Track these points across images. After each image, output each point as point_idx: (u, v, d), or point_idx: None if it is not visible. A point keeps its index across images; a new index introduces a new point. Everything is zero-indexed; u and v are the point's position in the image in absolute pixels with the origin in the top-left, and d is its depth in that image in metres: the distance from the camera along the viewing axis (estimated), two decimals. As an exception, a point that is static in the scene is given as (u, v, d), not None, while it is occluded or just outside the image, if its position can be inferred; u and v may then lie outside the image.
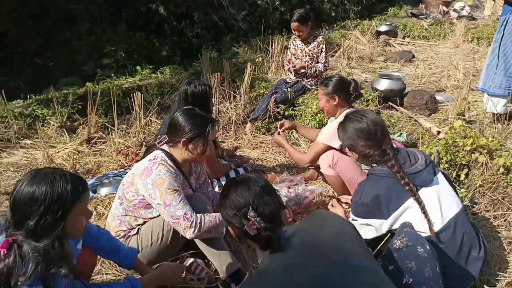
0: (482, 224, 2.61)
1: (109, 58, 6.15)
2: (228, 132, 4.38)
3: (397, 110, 3.86)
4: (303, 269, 1.25)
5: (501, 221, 2.63)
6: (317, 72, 4.33)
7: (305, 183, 3.12)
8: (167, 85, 5.44)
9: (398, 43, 7.47)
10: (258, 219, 1.34)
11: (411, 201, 1.89)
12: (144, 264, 1.92)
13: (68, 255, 1.36)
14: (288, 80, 4.50)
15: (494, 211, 2.70)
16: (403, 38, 7.73)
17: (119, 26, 6.59)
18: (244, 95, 4.78)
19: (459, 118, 3.32)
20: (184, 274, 2.06)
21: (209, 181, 2.45)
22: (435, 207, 1.91)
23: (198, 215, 1.96)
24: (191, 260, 2.15)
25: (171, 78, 5.68)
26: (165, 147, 2.12)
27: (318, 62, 4.35)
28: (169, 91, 5.35)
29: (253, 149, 3.97)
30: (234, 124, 4.35)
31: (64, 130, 4.35)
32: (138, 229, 2.08)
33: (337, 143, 2.69)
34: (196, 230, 1.93)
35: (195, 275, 2.10)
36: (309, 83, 4.43)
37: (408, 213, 1.90)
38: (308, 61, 4.34)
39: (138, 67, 5.76)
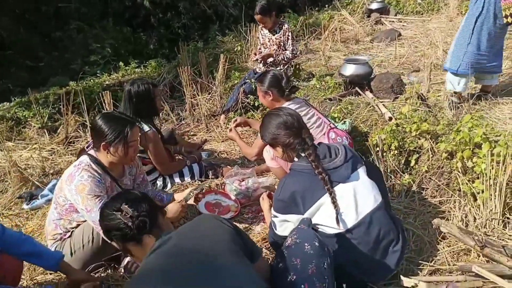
0: (426, 210, 2.62)
1: (96, 55, 6.29)
2: (200, 125, 4.45)
3: (359, 95, 3.82)
4: (168, 273, 1.32)
5: (446, 207, 2.62)
6: (285, 59, 4.32)
7: (261, 175, 3.18)
8: (150, 79, 5.53)
9: (389, 21, 7.28)
10: (131, 209, 1.41)
11: (326, 197, 1.92)
12: (71, 266, 2.02)
13: None
14: (258, 70, 4.50)
15: (440, 197, 2.69)
16: (395, 15, 7.51)
17: (106, 22, 6.69)
18: (219, 86, 4.83)
19: (416, 102, 3.27)
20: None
21: (147, 180, 2.53)
22: (350, 203, 1.93)
23: None
24: (127, 259, 2.25)
25: (154, 72, 5.77)
26: (92, 152, 2.21)
27: (286, 49, 4.33)
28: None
29: (222, 142, 4.03)
30: (205, 117, 4.40)
31: (45, 130, 4.53)
32: (72, 232, 2.20)
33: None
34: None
35: (131, 273, 2.21)
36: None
37: (323, 208, 1.94)
38: (276, 50, 4.33)
39: (121, 63, 5.87)
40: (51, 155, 4.06)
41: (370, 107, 3.52)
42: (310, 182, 1.93)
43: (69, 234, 2.20)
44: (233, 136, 3.11)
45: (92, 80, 5.49)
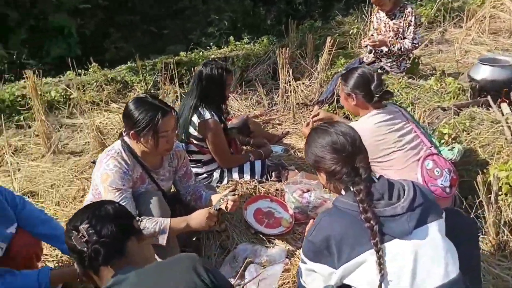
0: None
1: (213, 26, 6.31)
2: (288, 114, 4.05)
3: (489, 108, 2.92)
4: None
5: None
6: (402, 49, 3.58)
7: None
8: (254, 57, 5.31)
9: None
10: (90, 230, 1.17)
11: (371, 254, 1.40)
12: None
13: None
14: (365, 59, 3.85)
15: None
16: None
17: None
18: (320, 73, 4.34)
19: None
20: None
21: (191, 173, 2.30)
22: (404, 269, 1.37)
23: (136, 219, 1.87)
24: None
25: (261, 50, 5.52)
26: (127, 138, 2.04)
27: (404, 38, 3.58)
28: (254, 63, 5.23)
29: (305, 138, 3.58)
30: (295, 106, 3.98)
31: (147, 97, 4.70)
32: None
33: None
34: None
35: None
36: (388, 64, 3.70)
37: (364, 268, 1.42)
38: (392, 37, 3.61)
39: (231, 37, 5.75)
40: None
41: (498, 126, 2.65)
42: (354, 228, 1.41)
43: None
44: (306, 133, 2.65)
45: (201, 52, 5.50)
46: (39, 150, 3.67)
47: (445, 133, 2.58)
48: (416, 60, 3.85)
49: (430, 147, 2.23)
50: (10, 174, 3.18)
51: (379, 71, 3.65)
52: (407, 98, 3.17)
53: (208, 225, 1.95)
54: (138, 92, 4.74)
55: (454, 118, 2.77)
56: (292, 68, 4.95)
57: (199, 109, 2.57)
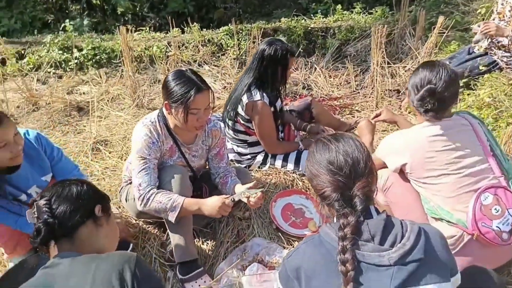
0: None
1: (325, -9, 5.89)
2: (371, 101, 3.64)
3: None
4: None
5: None
6: (528, 44, 2.84)
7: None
8: (358, 30, 4.85)
9: None
10: (44, 208, 1.21)
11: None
12: None
13: None
14: (476, 49, 3.17)
15: None
16: None
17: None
18: (424, 57, 3.75)
19: None
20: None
21: (225, 155, 2.24)
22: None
23: (153, 191, 1.91)
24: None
25: (369, 22, 4.98)
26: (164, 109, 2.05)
27: (535, 29, 2.83)
28: (356, 38, 4.78)
29: (381, 131, 3.20)
30: (381, 92, 3.54)
31: (238, 62, 4.72)
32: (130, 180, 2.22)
33: (394, 162, 1.88)
34: (142, 205, 1.92)
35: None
36: (504, 59, 2.99)
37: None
38: (516, 27, 2.89)
39: (338, 6, 5.31)
40: (225, 88, 4.23)
41: None
42: (328, 265, 1.21)
43: (130, 181, 2.23)
44: (363, 128, 2.34)
45: (303, 20, 5.23)
46: (128, 102, 4.02)
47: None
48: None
49: (500, 177, 1.76)
50: (95, 120, 3.57)
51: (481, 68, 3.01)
52: (510, 106, 2.53)
53: (220, 214, 1.91)
54: (231, 56, 4.77)
55: None
56: (397, 48, 4.43)
57: (251, 89, 2.46)
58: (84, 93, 4.35)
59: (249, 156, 2.66)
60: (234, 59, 4.75)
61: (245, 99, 2.46)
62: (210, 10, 6.26)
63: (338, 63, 4.54)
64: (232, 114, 2.55)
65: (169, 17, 4.87)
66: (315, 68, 4.44)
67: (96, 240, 1.27)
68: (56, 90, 4.41)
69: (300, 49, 4.79)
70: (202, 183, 2.25)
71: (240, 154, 2.67)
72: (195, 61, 4.73)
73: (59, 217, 1.21)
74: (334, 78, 4.29)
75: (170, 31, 5.18)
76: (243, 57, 4.73)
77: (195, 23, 5.11)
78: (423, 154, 1.78)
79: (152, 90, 4.34)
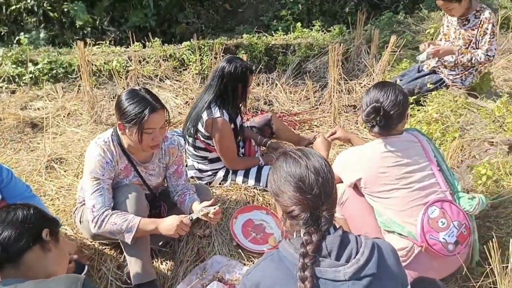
0: None
1: (286, 10, 6.05)
2: (329, 117, 3.75)
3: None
4: None
5: None
6: (473, 61, 3.04)
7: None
8: (317, 47, 5.00)
9: None
10: None
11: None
12: (61, 236, 2.00)
13: None
14: (424, 68, 3.36)
15: None
16: None
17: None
18: (379, 75, 3.93)
19: None
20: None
21: (183, 172, 2.23)
22: None
23: (107, 212, 1.87)
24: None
25: (326, 40, 5.16)
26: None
27: (477, 48, 3.03)
28: (315, 55, 4.92)
29: (339, 145, 3.30)
30: (338, 108, 3.66)
31: (200, 77, 4.73)
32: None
33: (349, 177, 1.95)
34: (96, 228, 1.87)
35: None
36: (450, 77, 3.19)
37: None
38: (460, 47, 3.09)
39: (299, 24, 5.46)
40: (187, 103, 4.21)
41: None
42: (287, 281, 1.23)
43: (84, 202, 2.16)
44: (319, 145, 2.39)
45: (265, 37, 5.33)
46: (86, 117, 3.91)
47: (483, 174, 2.14)
48: (489, 75, 3.26)
49: (446, 191, 1.86)
50: (50, 137, 3.45)
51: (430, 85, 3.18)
52: (457, 122, 2.69)
53: (177, 233, 1.89)
54: (193, 71, 4.78)
55: (504, 157, 2.28)
56: (353, 65, 4.60)
57: (211, 106, 2.48)
58: (38, 108, 4.19)
59: (210, 173, 2.66)
60: (196, 74, 4.76)
61: (205, 116, 2.47)
62: (172, 25, 6.26)
63: (298, 79, 4.65)
64: (192, 131, 2.55)
65: (130, 32, 4.83)
66: (276, 84, 4.53)
67: (43, 265, 1.23)
68: (8, 106, 4.21)
69: (261, 65, 4.87)
70: (160, 201, 2.22)
71: (200, 170, 2.66)
72: (156, 76, 4.69)
73: (2, 243, 1.17)
74: (294, 94, 4.39)
75: (130, 46, 5.12)
76: (205, 72, 4.74)
77: (156, 38, 5.08)
78: (376, 170, 1.86)
79: (111, 105, 4.23)
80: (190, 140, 2.59)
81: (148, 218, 1.96)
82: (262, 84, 4.63)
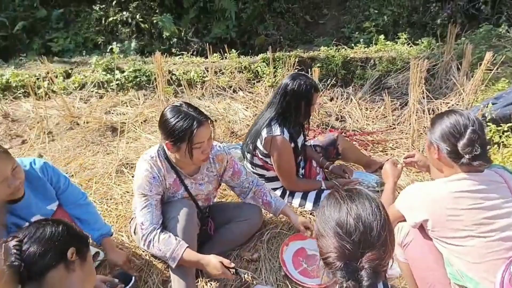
0: None
1: (370, 21, 5.73)
2: (407, 139, 3.41)
3: None
4: None
5: None
6: None
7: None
8: (399, 61, 4.64)
9: None
10: (14, 250, 1.16)
11: None
12: (113, 247, 2.05)
13: None
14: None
15: None
16: None
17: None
18: (469, 95, 3.49)
19: None
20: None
21: (240, 171, 2.19)
22: None
23: (155, 232, 1.85)
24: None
25: (410, 53, 4.76)
26: None
27: None
28: (398, 69, 4.58)
29: (415, 173, 2.96)
30: (414, 131, 3.30)
31: (272, 90, 4.66)
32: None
33: (413, 217, 1.69)
34: (145, 246, 1.87)
35: None
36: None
37: None
38: None
39: (382, 36, 5.13)
40: (256, 115, 4.17)
41: None
42: None
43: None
44: (387, 171, 2.14)
45: (344, 49, 5.11)
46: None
47: None
48: None
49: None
50: (125, 142, 3.63)
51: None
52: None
53: (220, 277, 1.83)
54: (266, 83, 4.74)
55: None
56: (440, 82, 4.18)
57: (272, 123, 2.38)
58: (121, 113, 4.47)
59: (266, 192, 2.55)
60: (269, 86, 4.71)
61: (264, 133, 2.38)
62: (252, 37, 6.32)
63: (376, 95, 4.35)
64: (250, 148, 2.47)
65: (208, 44, 4.95)
66: (351, 99, 4.29)
67: (66, 285, 1.21)
68: (95, 110, 4.57)
69: (337, 79, 4.67)
70: (208, 218, 2.17)
71: (257, 189, 2.57)
72: (230, 87, 4.74)
73: (26, 260, 1.16)
74: (370, 111, 4.11)
75: (209, 57, 5.26)
76: (278, 85, 4.67)
77: (233, 50, 5.15)
78: (446, 212, 1.58)
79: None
80: (248, 156, 2.51)
81: (197, 237, 1.95)
82: (336, 98, 4.42)
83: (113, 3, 6.87)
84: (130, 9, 6.73)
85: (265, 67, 4.88)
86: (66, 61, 5.68)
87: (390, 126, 3.76)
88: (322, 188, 2.49)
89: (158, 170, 1.93)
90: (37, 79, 5.05)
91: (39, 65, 5.14)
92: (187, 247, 1.82)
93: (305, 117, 2.43)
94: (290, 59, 4.78)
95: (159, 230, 1.85)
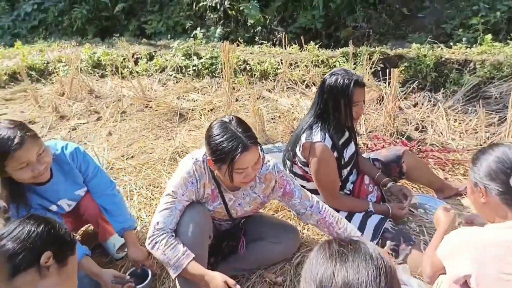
0: None
1: (478, 18, 4.91)
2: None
3: None
4: None
5: None
6: None
7: None
8: (508, 67, 3.89)
9: None
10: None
11: None
12: (133, 240, 1.99)
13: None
14: None
15: None
16: None
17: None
18: None
19: None
20: None
21: (292, 192, 1.90)
22: None
23: (163, 236, 1.71)
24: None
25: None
26: None
27: None
28: (504, 77, 3.85)
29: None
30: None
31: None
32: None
33: (454, 271, 1.32)
34: (150, 247, 1.74)
35: None
36: None
37: None
38: None
39: (488, 36, 4.36)
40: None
41: None
42: None
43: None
44: (438, 218, 1.75)
45: (440, 48, 4.47)
46: (222, 115, 3.99)
47: None
48: None
49: None
50: (187, 129, 3.63)
51: None
52: None
53: None
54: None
55: None
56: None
57: (313, 127, 2.08)
58: (192, 100, 4.50)
59: (307, 206, 2.28)
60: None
61: (303, 138, 2.09)
62: (339, 28, 5.89)
63: (470, 105, 3.72)
64: (290, 154, 2.21)
65: (290, 34, 4.70)
66: (439, 107, 3.72)
67: None
68: (169, 93, 4.68)
69: (426, 82, 4.10)
70: (240, 233, 1.99)
71: (298, 201, 2.31)
72: (303, 82, 4.46)
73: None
74: (459, 123, 3.52)
75: (287, 47, 5.02)
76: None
77: (311, 42, 4.84)
78: (499, 268, 1.19)
79: (249, 106, 4.23)
80: (288, 164, 2.25)
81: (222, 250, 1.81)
82: (422, 104, 3.88)
83: (205, -12, 6.96)
84: (219, -5, 6.76)
85: (344, 62, 4.49)
86: (152, 44, 5.92)
87: (481, 145, 3.16)
88: (369, 210, 2.14)
89: (199, 176, 1.78)
90: (124, 59, 5.33)
91: (127, 46, 5.41)
92: (193, 258, 1.67)
93: (347, 119, 2.08)
94: (373, 55, 4.33)
95: (167, 234, 1.72)
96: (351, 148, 2.18)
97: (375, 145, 3.10)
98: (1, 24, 7.35)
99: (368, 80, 4.01)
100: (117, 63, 5.17)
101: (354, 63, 4.37)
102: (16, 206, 1.76)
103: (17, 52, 6.04)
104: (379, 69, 4.21)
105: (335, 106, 2.03)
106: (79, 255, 1.77)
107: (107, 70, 5.24)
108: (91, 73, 5.33)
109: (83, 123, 4.15)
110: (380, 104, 3.88)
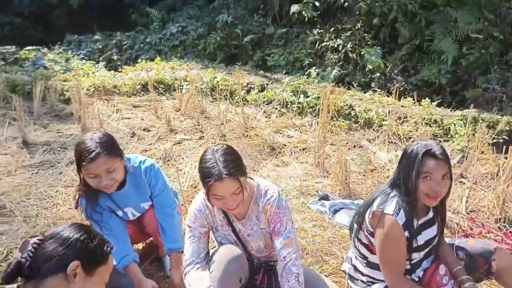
0: None
1: None
2: None
3: None
4: None
5: None
6: None
7: None
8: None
9: None
10: (30, 247, 1.22)
11: None
12: (177, 263, 2.04)
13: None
14: None
15: None
16: None
17: None
18: None
19: None
20: None
21: (281, 232, 1.86)
22: None
23: (192, 266, 1.83)
24: None
25: None
26: None
27: None
28: None
29: None
30: None
31: (461, 156, 3.82)
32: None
33: None
34: (183, 275, 1.86)
35: None
36: None
37: None
38: None
39: None
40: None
41: None
42: None
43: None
44: None
45: None
46: (310, 159, 3.91)
47: None
48: None
49: None
50: (277, 164, 3.63)
51: None
52: None
53: None
54: (455, 146, 3.92)
55: None
56: None
57: (390, 195, 1.89)
58: (288, 136, 4.53)
59: (364, 279, 2.04)
60: (458, 150, 3.88)
61: (375, 205, 1.90)
62: (467, 87, 5.35)
63: None
64: (359, 219, 2.03)
65: (394, 87, 4.46)
66: None
67: None
68: (269, 126, 4.79)
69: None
70: (261, 269, 1.98)
71: (355, 268, 2.09)
72: (408, 138, 4.14)
73: (33, 258, 1.21)
74: None
75: (401, 99, 4.75)
76: (469, 152, 3.79)
77: (426, 98, 4.47)
78: None
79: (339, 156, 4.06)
80: (355, 228, 2.07)
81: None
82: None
83: (331, 29, 7.05)
84: (343, 37, 6.77)
85: (461, 126, 4.05)
86: (267, 76, 6.17)
87: None
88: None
89: (207, 205, 1.89)
90: (237, 86, 5.66)
91: (244, 75, 5.74)
92: None
93: (416, 193, 1.81)
94: (498, 124, 3.82)
95: (197, 265, 1.83)
96: (430, 232, 1.91)
97: (471, 229, 2.67)
98: (150, 40, 8.52)
99: (483, 153, 3.52)
100: (231, 89, 5.52)
101: (473, 129, 3.90)
102: (86, 201, 1.96)
103: (154, 67, 6.90)
104: (501, 141, 3.68)
105: (406, 178, 1.82)
106: (128, 260, 1.92)
107: (221, 94, 5.62)
108: (208, 95, 5.77)
109: (187, 139, 4.50)
110: (492, 180, 3.36)
